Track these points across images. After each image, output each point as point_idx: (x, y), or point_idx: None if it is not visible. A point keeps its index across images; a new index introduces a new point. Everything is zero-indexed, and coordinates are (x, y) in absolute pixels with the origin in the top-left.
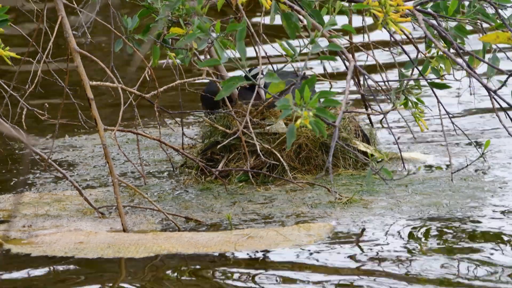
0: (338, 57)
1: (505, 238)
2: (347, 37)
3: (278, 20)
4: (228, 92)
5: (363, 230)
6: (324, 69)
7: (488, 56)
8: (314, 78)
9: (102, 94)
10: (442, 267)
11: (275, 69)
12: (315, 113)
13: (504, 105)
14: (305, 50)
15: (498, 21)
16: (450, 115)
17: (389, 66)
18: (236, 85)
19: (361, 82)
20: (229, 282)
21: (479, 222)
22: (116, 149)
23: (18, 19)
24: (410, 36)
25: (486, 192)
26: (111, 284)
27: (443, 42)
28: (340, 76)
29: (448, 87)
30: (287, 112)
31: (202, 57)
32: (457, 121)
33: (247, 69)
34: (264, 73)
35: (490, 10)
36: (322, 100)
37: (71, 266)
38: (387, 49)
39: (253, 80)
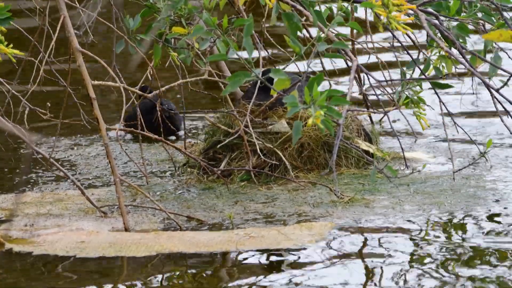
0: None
1: (506, 237)
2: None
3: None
4: (235, 87)
5: (365, 229)
6: (324, 68)
7: (489, 55)
8: (322, 76)
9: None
10: (444, 266)
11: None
12: (325, 111)
13: (506, 104)
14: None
15: (500, 20)
16: (452, 114)
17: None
18: (243, 80)
19: (363, 81)
20: (231, 281)
21: (480, 221)
22: (118, 148)
23: (20, 14)
24: (413, 36)
25: (487, 191)
26: (112, 284)
27: (445, 41)
28: (339, 74)
29: (450, 86)
30: (295, 109)
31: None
32: (459, 121)
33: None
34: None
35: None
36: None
37: (73, 265)
38: (389, 46)
39: (259, 76)
